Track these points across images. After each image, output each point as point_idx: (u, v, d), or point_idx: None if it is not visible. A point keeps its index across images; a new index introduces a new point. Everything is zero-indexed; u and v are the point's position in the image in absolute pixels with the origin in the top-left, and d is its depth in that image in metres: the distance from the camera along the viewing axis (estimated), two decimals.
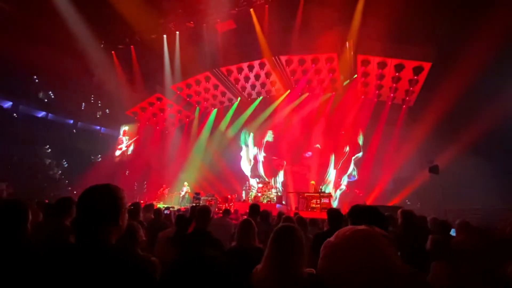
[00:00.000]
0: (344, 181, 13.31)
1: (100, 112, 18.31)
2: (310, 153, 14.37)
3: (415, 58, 9.92)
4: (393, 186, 12.01)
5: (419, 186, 10.74)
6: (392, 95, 12.16)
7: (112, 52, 14.35)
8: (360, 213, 1.51)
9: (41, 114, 15.81)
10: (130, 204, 3.86)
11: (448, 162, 9.54)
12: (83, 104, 17.50)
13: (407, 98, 11.86)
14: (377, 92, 12.41)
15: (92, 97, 17.65)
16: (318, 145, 13.95)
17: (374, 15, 9.42)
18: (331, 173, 13.51)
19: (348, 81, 13.40)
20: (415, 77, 10.49)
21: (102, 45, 13.89)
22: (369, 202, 11.61)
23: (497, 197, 8.55)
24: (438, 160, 9.53)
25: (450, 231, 3.00)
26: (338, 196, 12.98)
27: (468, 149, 9.24)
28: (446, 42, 9.17)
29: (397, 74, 10.60)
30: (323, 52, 11.35)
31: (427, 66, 9.93)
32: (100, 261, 0.98)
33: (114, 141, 17.62)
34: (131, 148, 16.89)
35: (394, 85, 11.28)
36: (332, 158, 13.53)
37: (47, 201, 4.96)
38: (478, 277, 1.67)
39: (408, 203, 11.19)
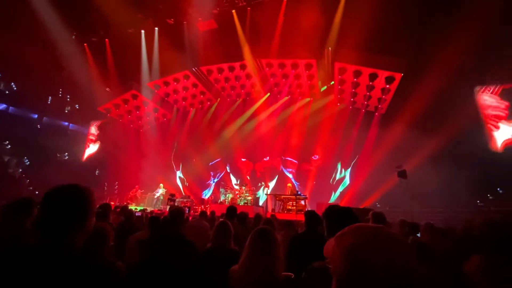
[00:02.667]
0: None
1: (69, 107, 17.14)
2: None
3: (387, 68, 10.47)
4: (365, 190, 12.52)
5: (388, 190, 11.29)
6: (366, 102, 12.72)
7: (85, 44, 13.57)
8: (335, 214, 1.55)
9: (1, 107, 14.48)
10: (99, 205, 3.65)
11: (415, 167, 10.16)
12: (50, 98, 16.30)
13: (380, 105, 12.47)
14: (352, 99, 12.92)
15: (60, 90, 16.50)
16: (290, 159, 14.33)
17: (351, 25, 9.88)
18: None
19: (326, 87, 13.82)
20: (387, 86, 11.06)
21: (73, 36, 13.08)
22: (342, 205, 12.00)
23: (458, 200, 9.26)
24: (406, 165, 10.11)
25: (418, 232, 3.18)
26: None
27: (433, 155, 9.93)
28: (415, 55, 9.81)
29: (371, 82, 11.10)
30: (302, 57, 11.62)
31: (398, 76, 10.53)
32: (62, 265, 0.92)
33: (83, 139, 16.62)
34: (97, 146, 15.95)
35: (368, 93, 11.82)
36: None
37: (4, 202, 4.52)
38: (441, 275, 1.77)
39: (378, 205, 11.71)
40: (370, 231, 0.72)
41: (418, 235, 3.32)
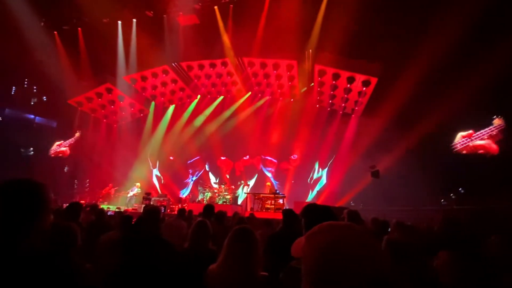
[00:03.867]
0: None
1: (36, 99, 16.01)
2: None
3: (364, 72, 10.87)
4: (340, 189, 12.95)
5: (362, 189, 11.77)
6: (343, 104, 13.15)
7: (55, 32, 12.71)
8: (313, 212, 1.58)
9: None
10: (69, 203, 3.48)
11: (388, 167, 10.69)
12: (14, 88, 15.12)
13: (356, 108, 12.95)
14: (330, 101, 13.29)
15: (26, 81, 15.36)
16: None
17: (331, 30, 10.16)
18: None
19: (306, 88, 14.07)
20: (364, 89, 11.49)
21: (42, 23, 12.20)
22: (318, 203, 12.32)
23: (426, 199, 9.90)
24: (379, 165, 10.60)
25: (388, 229, 3.35)
26: None
27: (404, 157, 10.53)
28: (390, 61, 10.29)
29: (348, 85, 11.49)
30: (284, 58, 11.74)
31: (374, 80, 10.98)
32: (8, 268, 0.85)
33: (51, 133, 15.60)
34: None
35: (346, 95, 12.21)
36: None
37: None
38: (409, 271, 1.87)
39: (353, 204, 12.17)
40: (343, 229, 0.70)
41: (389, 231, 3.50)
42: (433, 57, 9.03)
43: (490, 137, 9.71)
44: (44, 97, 15.99)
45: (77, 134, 14.90)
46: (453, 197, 10.52)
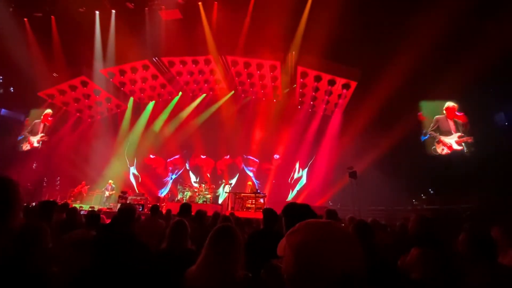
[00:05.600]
0: None
1: (1, 90, 14.86)
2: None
3: (344, 76, 11.19)
4: (319, 189, 13.22)
5: (340, 189, 12.11)
6: (324, 106, 13.44)
7: (25, 19, 11.88)
8: (293, 211, 1.60)
9: None
10: (40, 202, 3.26)
11: (364, 169, 11.10)
12: None
13: (336, 110, 13.30)
14: (311, 102, 13.53)
15: None
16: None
17: (314, 34, 10.36)
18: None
19: (288, 89, 14.22)
20: (344, 92, 11.82)
21: (11, 9, 11.35)
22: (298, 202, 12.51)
23: (397, 200, 10.40)
24: (357, 167, 10.97)
25: None
26: None
27: (379, 159, 10.99)
28: (368, 66, 10.68)
29: (329, 87, 11.77)
30: (267, 58, 11.78)
31: (353, 84, 11.34)
32: None
33: (17, 126, 14.57)
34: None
35: (327, 97, 12.50)
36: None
37: None
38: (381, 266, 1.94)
39: (330, 203, 12.49)
40: (320, 227, 0.71)
41: None
42: (406, 66, 9.54)
43: None
44: (11, 88, 14.91)
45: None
46: (423, 197, 11.13)
